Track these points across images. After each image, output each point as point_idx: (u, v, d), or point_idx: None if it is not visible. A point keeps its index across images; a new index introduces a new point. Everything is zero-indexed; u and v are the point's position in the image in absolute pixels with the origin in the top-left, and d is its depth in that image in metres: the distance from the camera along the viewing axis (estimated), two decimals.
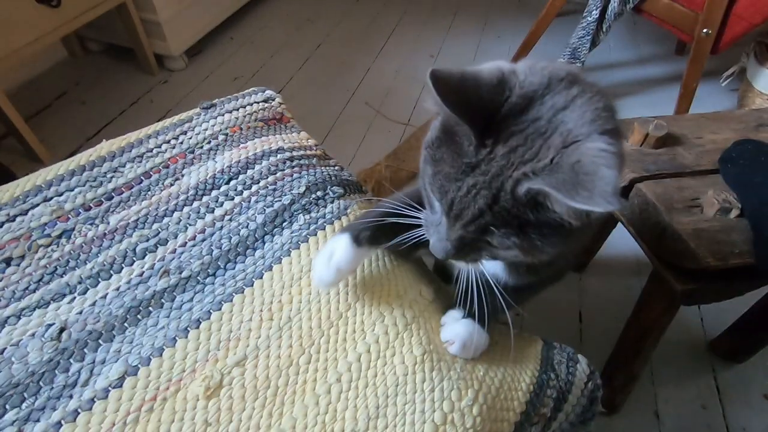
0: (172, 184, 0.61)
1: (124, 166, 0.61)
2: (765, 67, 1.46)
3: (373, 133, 1.52)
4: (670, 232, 0.63)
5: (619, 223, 0.75)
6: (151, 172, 0.61)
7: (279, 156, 0.66)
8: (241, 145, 0.67)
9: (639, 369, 0.84)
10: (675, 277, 0.64)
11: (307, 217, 0.58)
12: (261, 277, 0.52)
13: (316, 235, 0.57)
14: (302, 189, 0.61)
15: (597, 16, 1.43)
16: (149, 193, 0.59)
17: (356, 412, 0.43)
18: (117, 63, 1.71)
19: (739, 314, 0.96)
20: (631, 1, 1.38)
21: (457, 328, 0.50)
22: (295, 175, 0.63)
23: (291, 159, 0.66)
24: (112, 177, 0.60)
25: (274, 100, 0.77)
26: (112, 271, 0.51)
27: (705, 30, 1.31)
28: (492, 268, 0.47)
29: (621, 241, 1.05)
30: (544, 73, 0.38)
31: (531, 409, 0.50)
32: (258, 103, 0.75)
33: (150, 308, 0.48)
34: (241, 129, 0.70)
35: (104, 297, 0.48)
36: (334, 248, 0.48)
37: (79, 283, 0.49)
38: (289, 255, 0.54)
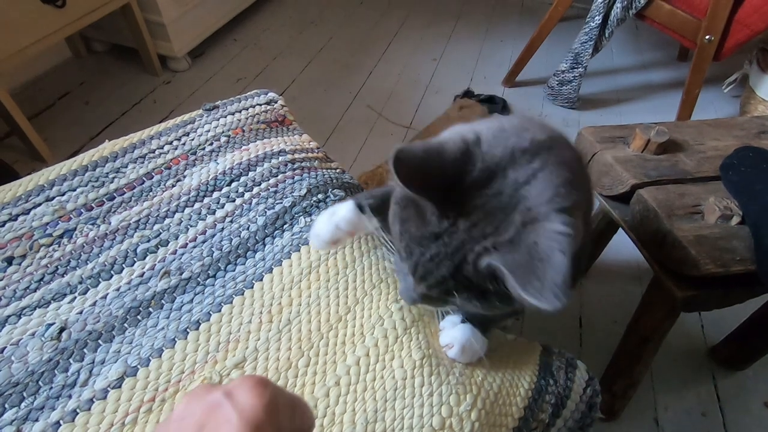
0: (173, 185, 0.61)
1: (126, 167, 0.62)
2: (767, 74, 1.46)
3: (375, 136, 1.52)
4: (671, 238, 0.63)
5: (620, 229, 0.75)
6: (153, 173, 0.62)
7: (280, 158, 0.66)
8: (243, 147, 0.67)
9: (639, 375, 0.83)
10: (675, 283, 0.64)
11: (308, 219, 0.59)
12: (261, 280, 0.52)
13: None
14: (303, 191, 0.61)
15: (600, 21, 1.43)
16: (151, 193, 0.59)
17: (354, 416, 0.43)
18: (121, 63, 1.71)
19: (739, 321, 0.96)
20: (634, 6, 1.39)
21: (455, 333, 0.50)
22: (296, 178, 0.63)
23: (292, 161, 0.66)
24: (114, 177, 0.60)
25: (276, 102, 0.77)
26: (112, 272, 0.51)
27: (707, 36, 1.31)
28: None
29: (621, 247, 1.05)
30: (507, 144, 0.38)
31: (529, 414, 0.50)
32: (260, 105, 0.76)
33: (150, 309, 0.48)
34: (243, 131, 0.70)
35: (104, 297, 0.48)
36: (337, 209, 0.50)
37: (80, 282, 0.49)
38: (289, 257, 0.54)
